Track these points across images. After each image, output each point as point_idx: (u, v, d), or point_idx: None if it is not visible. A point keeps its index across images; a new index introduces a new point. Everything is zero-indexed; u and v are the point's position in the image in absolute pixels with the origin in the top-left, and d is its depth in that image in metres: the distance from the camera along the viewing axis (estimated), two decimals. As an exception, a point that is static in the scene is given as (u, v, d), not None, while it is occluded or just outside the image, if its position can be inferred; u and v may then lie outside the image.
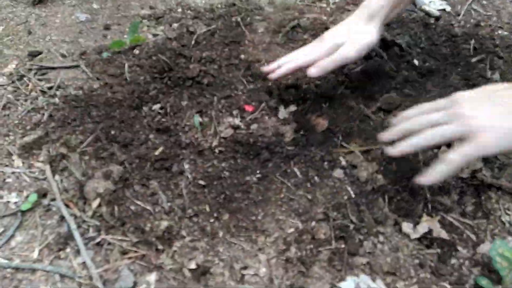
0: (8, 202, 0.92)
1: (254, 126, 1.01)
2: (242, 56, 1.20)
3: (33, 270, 0.83)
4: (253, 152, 0.98)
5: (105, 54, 1.22)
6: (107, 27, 1.34)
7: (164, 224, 0.87)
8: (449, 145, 1.00)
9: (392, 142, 0.95)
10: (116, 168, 0.94)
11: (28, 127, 1.05)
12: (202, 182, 0.94)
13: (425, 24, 1.34)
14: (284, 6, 1.40)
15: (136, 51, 1.23)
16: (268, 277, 0.83)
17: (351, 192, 0.94)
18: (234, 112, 1.05)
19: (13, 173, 0.97)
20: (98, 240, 0.86)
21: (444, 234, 0.88)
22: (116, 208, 0.90)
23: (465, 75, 1.18)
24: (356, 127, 1.05)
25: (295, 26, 1.30)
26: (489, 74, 1.19)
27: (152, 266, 0.83)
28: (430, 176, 0.82)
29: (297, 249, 0.86)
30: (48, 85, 1.15)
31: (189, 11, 1.40)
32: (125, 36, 1.30)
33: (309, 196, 0.93)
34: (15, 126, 1.06)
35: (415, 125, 0.87)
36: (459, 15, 1.40)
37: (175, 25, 1.34)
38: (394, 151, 0.87)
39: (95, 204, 0.90)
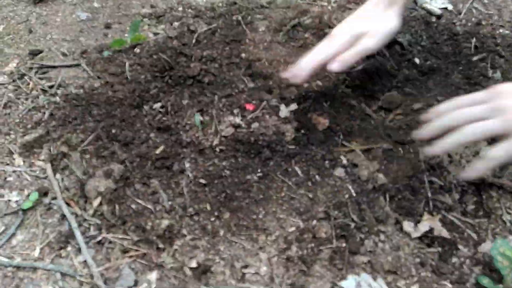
0: (9, 200, 0.93)
1: (255, 125, 1.01)
2: (243, 55, 1.19)
3: (34, 269, 0.83)
4: (254, 151, 0.98)
5: (106, 53, 1.22)
6: (108, 26, 1.34)
7: (165, 222, 0.87)
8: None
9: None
10: (117, 167, 0.94)
11: (29, 126, 1.05)
12: (203, 181, 0.94)
13: (427, 22, 1.34)
14: (285, 4, 1.40)
15: (137, 50, 1.23)
16: (269, 276, 0.83)
17: (352, 191, 0.94)
18: (235, 111, 1.05)
19: (14, 171, 0.97)
20: (99, 238, 0.86)
21: (445, 233, 0.88)
22: (117, 206, 0.90)
23: (466, 73, 1.17)
24: (357, 126, 1.05)
25: (296, 24, 1.30)
26: (490, 72, 1.18)
27: (153, 265, 0.83)
28: (471, 172, 0.80)
29: (298, 248, 0.86)
30: (49, 84, 1.15)
31: (190, 10, 1.40)
32: (126, 35, 1.30)
33: (310, 195, 0.93)
34: (16, 125, 1.06)
35: (455, 121, 0.82)
36: (460, 13, 1.40)
37: (176, 23, 1.33)
38: (434, 150, 0.83)
39: (96, 202, 0.90)
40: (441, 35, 1.30)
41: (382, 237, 0.88)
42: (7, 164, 0.98)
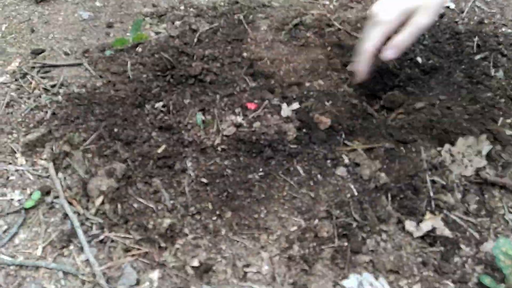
0: (12, 199, 0.93)
1: (256, 124, 1.01)
2: (245, 54, 1.19)
3: (37, 268, 0.83)
4: (255, 150, 0.98)
5: (108, 52, 1.22)
6: (109, 25, 1.34)
7: (167, 221, 0.87)
8: (453, 143, 1.00)
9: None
10: (119, 166, 0.94)
11: (31, 125, 1.05)
12: (204, 180, 0.94)
13: (429, 21, 1.34)
14: (287, 3, 1.40)
15: (139, 49, 1.23)
16: (270, 275, 0.83)
17: (354, 190, 0.94)
18: (237, 110, 1.05)
19: (16, 170, 0.97)
20: (101, 237, 0.86)
21: (447, 232, 0.88)
22: (119, 205, 0.90)
23: (469, 72, 1.17)
24: (359, 125, 1.05)
25: (298, 23, 1.30)
26: (492, 71, 1.18)
27: (155, 264, 0.83)
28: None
29: (299, 247, 0.86)
30: (51, 83, 1.15)
31: (191, 9, 1.40)
32: (128, 34, 1.30)
33: (312, 194, 0.93)
34: (18, 124, 1.06)
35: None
36: (463, 12, 1.39)
37: (177, 23, 1.34)
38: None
39: (98, 201, 0.90)
40: (443, 34, 1.30)
41: (384, 236, 0.88)
42: (10, 163, 0.99)
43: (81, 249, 0.85)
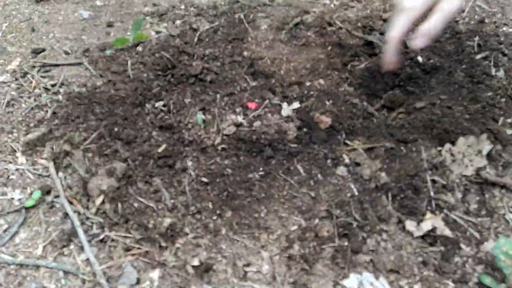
0: (12, 199, 0.93)
1: (257, 123, 1.01)
2: (245, 53, 1.19)
3: (37, 267, 0.83)
4: (256, 150, 0.98)
5: (108, 52, 1.22)
6: (110, 25, 1.34)
7: (167, 221, 0.87)
8: (453, 142, 1.00)
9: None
10: (119, 165, 0.94)
11: (31, 124, 1.05)
12: (205, 179, 0.94)
13: (429, 21, 1.34)
14: (288, 3, 1.39)
15: (139, 48, 1.23)
16: (271, 274, 0.83)
17: (355, 190, 0.94)
18: (237, 110, 1.05)
19: (17, 170, 0.97)
20: (101, 237, 0.87)
21: (447, 232, 0.88)
22: (119, 205, 0.90)
23: (469, 72, 1.17)
24: (359, 124, 1.05)
25: (298, 23, 1.30)
26: (493, 71, 1.18)
27: (155, 263, 0.83)
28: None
29: (300, 246, 0.86)
30: (52, 82, 1.15)
31: (192, 8, 1.40)
32: (128, 33, 1.30)
33: (312, 194, 0.93)
34: (19, 123, 1.06)
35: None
36: (463, 11, 1.39)
37: (178, 22, 1.33)
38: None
39: (98, 201, 0.90)
40: (444, 33, 1.30)
41: (384, 236, 0.88)
42: (10, 162, 0.99)
43: (82, 249, 0.85)
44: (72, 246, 0.86)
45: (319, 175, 0.96)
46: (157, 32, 1.31)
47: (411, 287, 0.82)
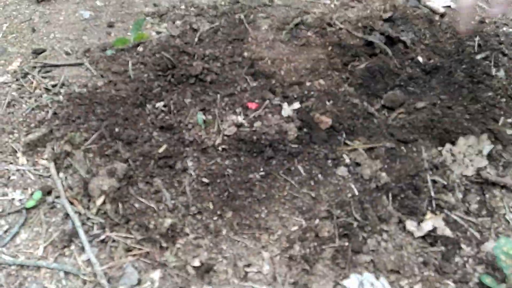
0: (13, 199, 0.93)
1: (257, 124, 1.01)
2: (246, 54, 1.19)
3: (38, 268, 0.83)
4: (256, 150, 0.98)
5: (109, 52, 1.23)
6: (110, 25, 1.34)
7: (168, 221, 0.87)
8: (453, 142, 0.99)
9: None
10: (120, 166, 0.94)
11: (32, 125, 1.05)
12: (205, 180, 0.94)
13: (430, 20, 1.34)
14: (288, 3, 1.39)
15: (140, 49, 1.23)
16: (271, 274, 0.83)
17: (355, 190, 0.94)
18: (238, 110, 1.05)
19: (17, 170, 0.98)
20: (102, 237, 0.87)
21: (448, 232, 0.88)
22: (120, 205, 0.90)
23: (470, 72, 1.17)
24: (360, 124, 1.05)
25: (298, 23, 1.30)
26: (493, 71, 1.18)
27: (156, 263, 0.83)
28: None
29: (300, 247, 0.86)
30: (52, 82, 1.15)
31: (192, 8, 1.40)
32: (129, 33, 1.30)
33: (313, 194, 0.93)
34: (20, 124, 1.06)
35: None
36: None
37: (178, 22, 1.34)
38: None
39: (99, 201, 0.90)
40: (444, 33, 1.30)
41: (385, 236, 0.88)
42: (11, 163, 0.99)
43: (82, 249, 0.85)
44: (73, 247, 0.86)
45: (319, 175, 0.96)
46: (158, 32, 1.31)
47: (411, 287, 0.82)
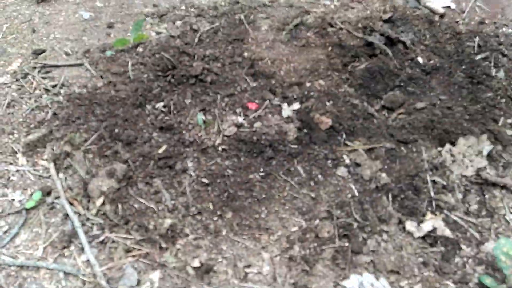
0: (13, 200, 0.93)
1: (257, 124, 1.01)
2: (246, 54, 1.19)
3: (37, 268, 0.83)
4: (256, 150, 0.98)
5: (108, 52, 1.23)
6: (110, 25, 1.34)
7: (168, 222, 0.87)
8: (453, 143, 1.00)
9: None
10: (120, 166, 0.94)
11: (32, 125, 1.05)
12: (205, 180, 0.94)
13: (430, 21, 1.34)
14: (288, 3, 1.39)
15: (140, 49, 1.23)
16: (271, 275, 0.83)
17: (355, 191, 0.94)
18: (238, 110, 1.05)
19: (17, 171, 0.97)
20: (102, 238, 0.87)
21: (448, 233, 0.88)
22: (120, 206, 0.90)
23: (470, 72, 1.17)
24: (359, 125, 1.05)
25: (298, 23, 1.30)
26: (493, 71, 1.18)
27: (156, 264, 0.83)
28: None
29: (300, 247, 0.86)
30: (52, 83, 1.15)
31: (192, 9, 1.40)
32: (129, 34, 1.30)
33: (313, 195, 0.93)
34: (20, 124, 1.06)
35: None
36: (463, 12, 1.39)
37: (178, 23, 1.33)
38: None
39: (99, 202, 0.90)
40: (444, 34, 1.30)
41: (385, 236, 0.88)
42: (11, 164, 0.99)
43: (82, 250, 0.85)
44: (72, 247, 0.86)
45: (319, 176, 0.96)
46: (158, 33, 1.31)
47: (411, 288, 0.82)
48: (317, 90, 1.11)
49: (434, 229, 0.88)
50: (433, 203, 0.92)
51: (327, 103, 1.08)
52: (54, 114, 1.07)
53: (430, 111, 1.05)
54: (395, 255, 0.85)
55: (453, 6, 1.41)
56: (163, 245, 0.85)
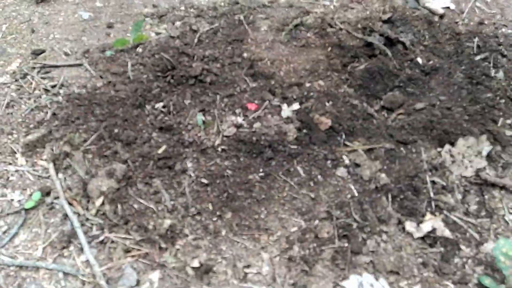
0: (12, 200, 0.93)
1: (257, 125, 1.01)
2: (245, 55, 1.19)
3: (37, 268, 0.83)
4: (256, 151, 0.98)
5: (108, 53, 1.22)
6: (110, 26, 1.34)
7: (167, 222, 0.87)
8: (453, 143, 1.00)
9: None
10: (119, 167, 0.94)
11: (31, 126, 1.05)
12: (205, 181, 0.94)
13: (429, 21, 1.34)
14: (288, 4, 1.39)
15: (139, 50, 1.23)
16: (271, 275, 0.83)
17: (355, 191, 0.94)
18: (237, 111, 1.05)
19: (16, 171, 0.97)
20: (101, 238, 0.86)
21: (447, 233, 0.88)
22: (119, 206, 0.90)
23: (469, 73, 1.17)
24: (359, 125, 1.05)
25: (298, 24, 1.30)
26: (493, 72, 1.18)
27: (155, 264, 0.83)
28: None
29: (300, 248, 0.86)
30: (52, 83, 1.15)
31: (192, 9, 1.40)
32: (128, 34, 1.30)
33: (312, 195, 0.93)
34: (19, 125, 1.06)
35: None
36: (463, 12, 1.39)
37: (178, 23, 1.34)
38: None
39: (98, 202, 0.90)
40: (443, 34, 1.30)
41: (384, 237, 0.88)
42: (10, 164, 0.99)
43: (81, 250, 0.85)
44: (71, 248, 0.86)
45: (319, 176, 0.96)
46: (157, 33, 1.31)
47: (411, 288, 0.82)
48: (316, 90, 1.11)
49: (433, 230, 0.88)
50: (433, 204, 0.92)
51: (327, 104, 1.08)
52: (54, 114, 1.07)
53: (430, 111, 1.06)
54: (395, 255, 0.85)
55: (452, 6, 1.41)
56: (163, 245, 0.85)
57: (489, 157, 0.99)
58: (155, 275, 0.82)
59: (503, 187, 0.95)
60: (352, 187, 0.95)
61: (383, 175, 0.95)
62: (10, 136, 1.03)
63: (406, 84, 1.14)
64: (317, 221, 0.89)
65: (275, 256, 0.85)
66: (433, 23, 1.34)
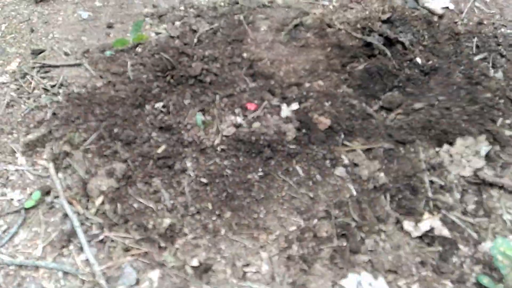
0: (12, 199, 0.93)
1: (256, 125, 1.02)
2: (245, 55, 1.20)
3: (36, 267, 0.83)
4: (255, 150, 0.99)
5: (108, 53, 1.23)
6: (110, 26, 1.34)
7: (167, 221, 0.87)
8: (451, 143, 1.00)
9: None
10: (119, 166, 0.94)
11: (31, 125, 1.05)
12: (204, 180, 0.94)
13: (428, 21, 1.34)
14: (287, 4, 1.40)
15: (139, 50, 1.23)
16: (270, 274, 0.83)
17: (353, 190, 0.94)
18: (237, 111, 1.06)
19: (16, 170, 0.98)
20: (101, 237, 0.87)
21: (445, 232, 0.88)
22: (119, 205, 0.90)
23: (468, 73, 1.17)
24: (358, 125, 1.05)
25: (298, 24, 1.30)
26: (491, 72, 1.18)
27: (155, 263, 0.84)
28: None
29: (299, 247, 0.86)
30: (51, 83, 1.16)
31: (191, 10, 1.40)
32: (128, 34, 1.30)
33: (311, 194, 0.94)
34: (19, 124, 1.06)
35: None
36: (462, 12, 1.39)
37: (177, 23, 1.34)
38: None
39: (98, 201, 0.90)
40: (442, 34, 1.30)
41: (382, 236, 0.88)
42: (10, 163, 0.99)
43: (81, 249, 0.85)
44: (71, 247, 0.86)
45: (317, 176, 0.97)
46: (157, 33, 1.31)
47: (409, 287, 0.82)
48: (316, 90, 1.11)
49: (431, 229, 0.88)
50: (431, 203, 0.92)
51: (326, 104, 1.08)
52: (53, 114, 1.07)
53: (428, 111, 1.06)
54: (393, 254, 0.86)
55: (451, 6, 1.42)
56: (162, 244, 0.85)
57: (488, 157, 0.99)
58: (154, 274, 0.82)
59: (501, 187, 0.96)
60: (351, 187, 0.95)
61: (381, 174, 0.95)
62: (10, 136, 1.04)
63: (405, 84, 1.14)
64: (316, 221, 0.90)
65: (274, 255, 0.85)
66: (432, 23, 1.34)
